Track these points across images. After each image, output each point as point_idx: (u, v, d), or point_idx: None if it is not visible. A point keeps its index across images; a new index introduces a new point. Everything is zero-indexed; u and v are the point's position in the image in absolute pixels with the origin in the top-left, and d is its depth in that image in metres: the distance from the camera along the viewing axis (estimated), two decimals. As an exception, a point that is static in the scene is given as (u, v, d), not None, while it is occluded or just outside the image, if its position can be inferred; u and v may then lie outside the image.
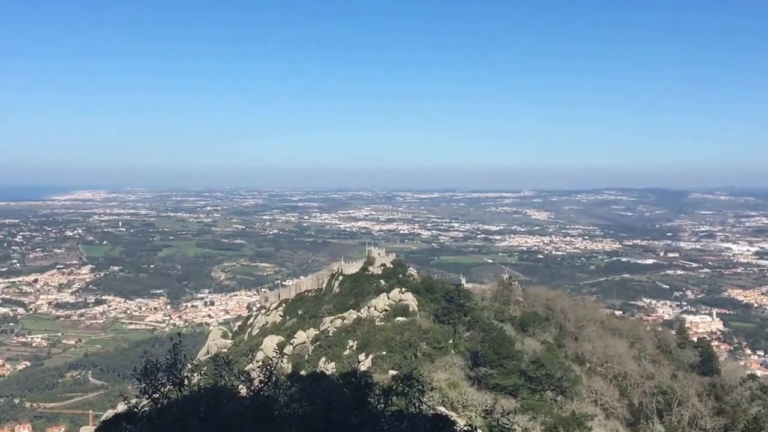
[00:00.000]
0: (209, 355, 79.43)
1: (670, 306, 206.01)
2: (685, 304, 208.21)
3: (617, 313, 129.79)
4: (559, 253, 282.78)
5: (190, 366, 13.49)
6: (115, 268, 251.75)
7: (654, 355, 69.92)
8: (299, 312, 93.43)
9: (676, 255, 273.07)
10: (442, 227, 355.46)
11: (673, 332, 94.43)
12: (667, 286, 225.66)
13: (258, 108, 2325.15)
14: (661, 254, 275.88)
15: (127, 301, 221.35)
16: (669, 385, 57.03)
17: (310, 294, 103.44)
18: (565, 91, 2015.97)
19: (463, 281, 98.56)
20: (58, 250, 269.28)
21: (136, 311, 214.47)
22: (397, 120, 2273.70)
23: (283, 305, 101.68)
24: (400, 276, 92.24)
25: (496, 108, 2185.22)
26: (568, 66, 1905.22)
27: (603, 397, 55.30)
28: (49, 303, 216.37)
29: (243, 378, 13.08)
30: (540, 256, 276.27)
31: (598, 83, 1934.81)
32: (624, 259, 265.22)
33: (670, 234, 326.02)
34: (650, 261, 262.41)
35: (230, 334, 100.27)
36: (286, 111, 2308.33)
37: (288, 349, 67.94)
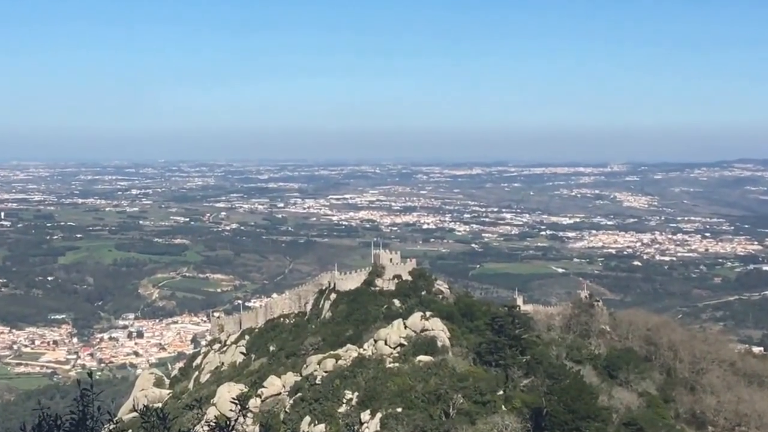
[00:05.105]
0: (137, 411, 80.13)
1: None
2: None
3: (756, 350, 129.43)
4: (666, 258, 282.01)
5: (109, 426, 13.55)
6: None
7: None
8: (271, 348, 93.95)
9: None
10: (486, 220, 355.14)
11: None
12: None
13: (206, 40, 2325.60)
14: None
15: (14, 330, 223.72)
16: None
17: (287, 321, 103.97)
18: (668, 18, 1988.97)
19: (519, 301, 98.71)
20: None
21: (27, 346, 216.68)
22: (416, 60, 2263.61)
23: (247, 337, 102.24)
24: (424, 293, 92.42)
25: (566, 42, 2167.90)
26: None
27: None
28: None
29: (188, 444, 13.15)
30: (637, 263, 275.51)
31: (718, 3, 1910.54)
32: (766, 268, 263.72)
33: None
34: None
35: (167, 381, 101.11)
36: (248, 44, 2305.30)
37: (254, 403, 68.26)
